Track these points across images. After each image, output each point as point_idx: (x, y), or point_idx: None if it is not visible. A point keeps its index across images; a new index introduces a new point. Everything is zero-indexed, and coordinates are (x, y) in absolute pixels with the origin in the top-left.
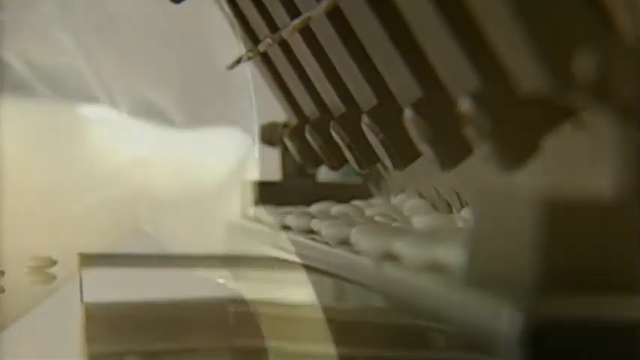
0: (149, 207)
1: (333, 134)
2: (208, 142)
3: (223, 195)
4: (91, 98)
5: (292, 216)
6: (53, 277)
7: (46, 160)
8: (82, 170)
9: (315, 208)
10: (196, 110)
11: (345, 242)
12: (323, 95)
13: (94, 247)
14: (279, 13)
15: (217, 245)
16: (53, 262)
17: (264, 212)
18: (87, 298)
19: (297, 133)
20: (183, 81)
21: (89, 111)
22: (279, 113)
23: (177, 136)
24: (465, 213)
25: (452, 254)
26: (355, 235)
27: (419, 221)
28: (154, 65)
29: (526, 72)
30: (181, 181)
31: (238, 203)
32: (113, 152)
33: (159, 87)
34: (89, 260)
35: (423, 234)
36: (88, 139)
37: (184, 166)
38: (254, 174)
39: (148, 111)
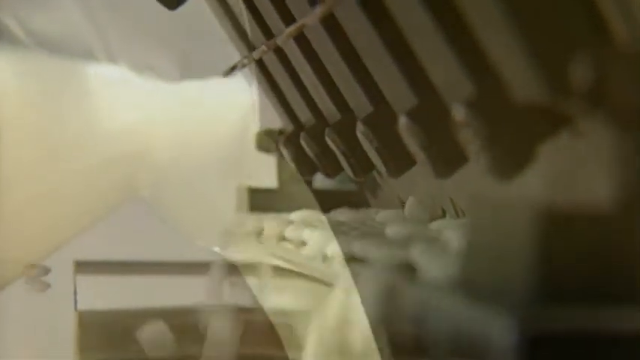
0: (147, 171)
1: (328, 141)
2: (208, 95)
3: (224, 157)
4: (89, 55)
5: (268, 223)
6: (47, 285)
7: (43, 119)
8: (79, 131)
9: (295, 215)
10: (194, 64)
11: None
12: (318, 102)
13: (91, 212)
14: (273, 20)
15: (216, 212)
16: (47, 270)
17: (250, 219)
18: (81, 306)
19: (292, 140)
20: (181, 34)
21: (88, 69)
22: (275, 120)
23: (176, 91)
24: (440, 223)
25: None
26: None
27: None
28: (152, 21)
29: (522, 79)
30: (181, 142)
31: (238, 170)
32: (112, 113)
33: (156, 42)
34: (84, 268)
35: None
36: (88, 98)
37: (184, 125)
38: (254, 126)
39: (146, 67)
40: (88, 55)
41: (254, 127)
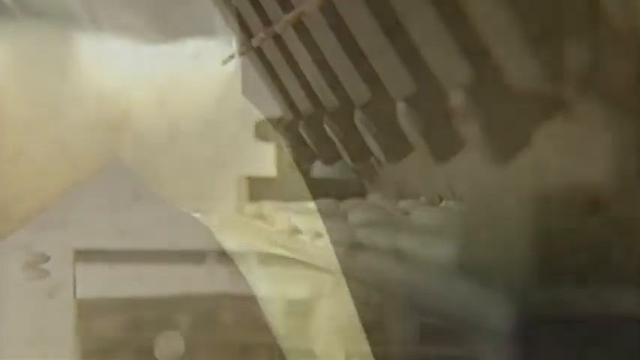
0: (129, 135)
1: (327, 129)
2: (189, 57)
3: (206, 118)
4: (73, 21)
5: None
6: (47, 273)
7: (27, 83)
8: (62, 95)
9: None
10: (175, 25)
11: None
12: (316, 90)
13: (74, 173)
14: (272, 8)
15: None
16: (47, 258)
17: (255, 207)
18: (80, 294)
19: (291, 129)
20: None
21: (71, 34)
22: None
23: (158, 54)
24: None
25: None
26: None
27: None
28: None
29: (518, 65)
30: (162, 105)
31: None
32: (95, 76)
33: (137, 4)
34: (83, 256)
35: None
36: (71, 63)
37: (165, 88)
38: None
39: (127, 30)
40: (72, 21)
41: (236, 90)
